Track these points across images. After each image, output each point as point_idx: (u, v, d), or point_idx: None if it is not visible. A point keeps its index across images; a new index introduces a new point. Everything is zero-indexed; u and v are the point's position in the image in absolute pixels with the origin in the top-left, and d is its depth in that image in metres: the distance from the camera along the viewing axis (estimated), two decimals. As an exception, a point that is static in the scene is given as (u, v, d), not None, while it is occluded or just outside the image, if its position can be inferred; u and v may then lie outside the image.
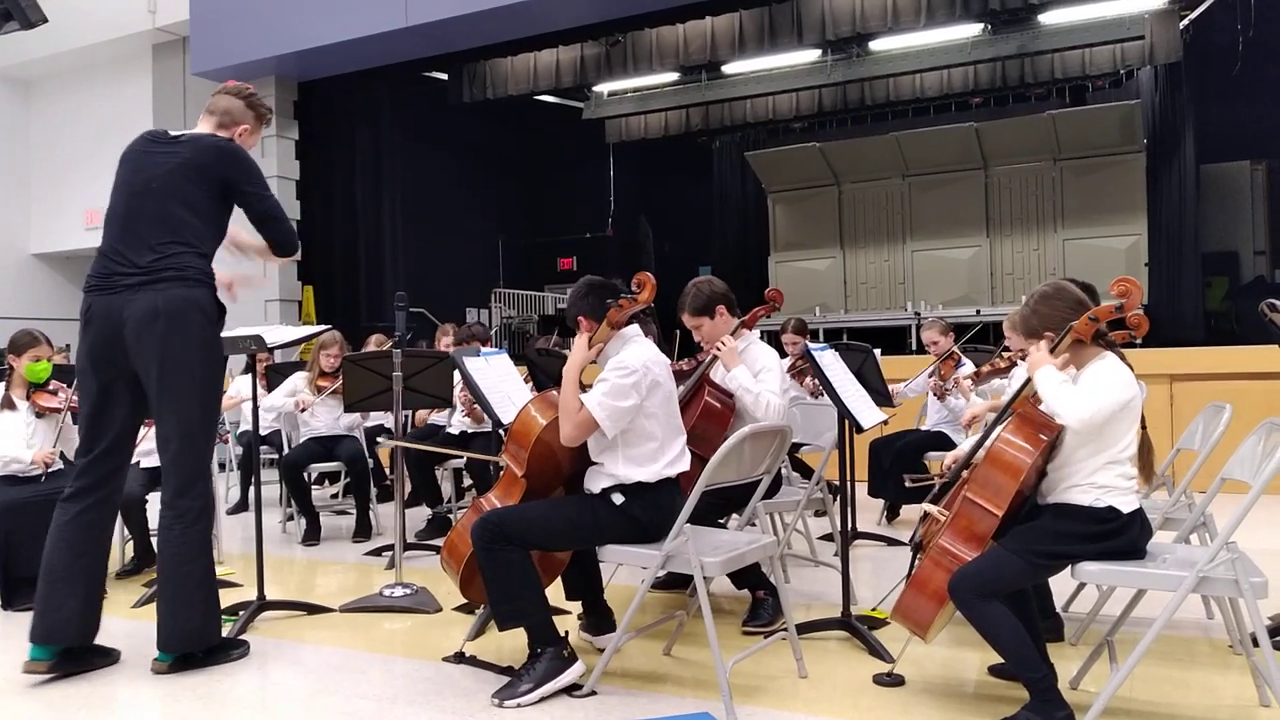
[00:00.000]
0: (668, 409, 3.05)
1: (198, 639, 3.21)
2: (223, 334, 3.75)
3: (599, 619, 3.35)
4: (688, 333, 3.96)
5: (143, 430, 4.82)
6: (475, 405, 5.70)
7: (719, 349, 3.73)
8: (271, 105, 9.85)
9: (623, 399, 2.91)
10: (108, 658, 3.29)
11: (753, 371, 3.73)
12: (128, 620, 3.81)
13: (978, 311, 10.97)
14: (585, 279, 3.18)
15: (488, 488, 5.54)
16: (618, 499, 2.96)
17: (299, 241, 3.46)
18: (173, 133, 3.30)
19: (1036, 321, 2.70)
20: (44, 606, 3.11)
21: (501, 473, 3.23)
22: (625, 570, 3.63)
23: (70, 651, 3.17)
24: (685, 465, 3.06)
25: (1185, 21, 9.76)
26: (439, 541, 5.16)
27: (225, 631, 3.63)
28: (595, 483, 3.02)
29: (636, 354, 2.99)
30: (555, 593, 3.12)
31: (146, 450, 4.87)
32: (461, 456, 5.50)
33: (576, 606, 3.45)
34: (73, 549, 3.14)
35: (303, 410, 5.72)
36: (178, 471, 3.16)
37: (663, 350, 3.22)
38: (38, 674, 3.11)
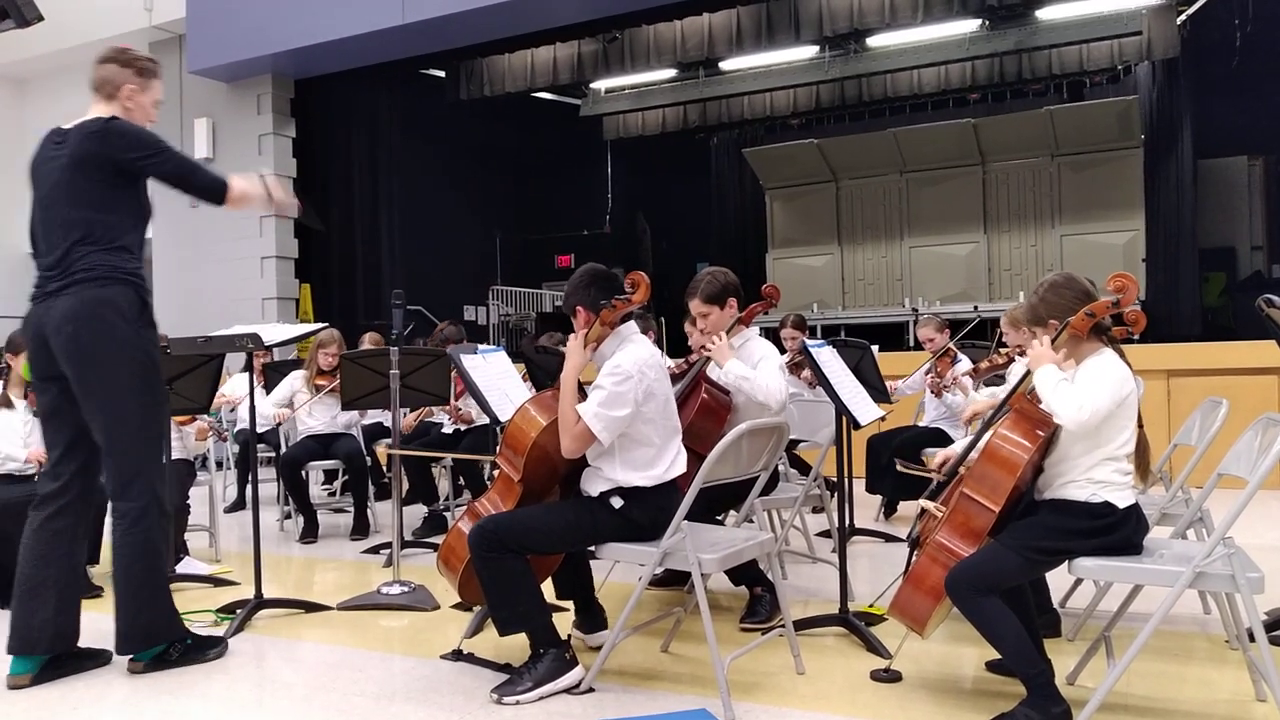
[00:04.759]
0: (664, 412, 3.03)
1: (145, 639, 3.17)
2: (220, 333, 3.76)
3: (591, 617, 3.35)
4: (674, 336, 3.94)
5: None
6: (460, 410, 5.74)
7: (711, 345, 3.71)
8: (271, 102, 9.92)
9: (618, 408, 2.88)
10: (97, 660, 3.26)
11: (750, 363, 3.72)
12: (125, 619, 3.81)
13: (975, 308, 10.97)
14: (587, 268, 3.13)
15: (479, 485, 5.58)
16: (616, 503, 2.95)
17: (223, 181, 3.21)
18: (65, 126, 3.19)
19: (1044, 310, 2.69)
20: (17, 617, 3.08)
21: (496, 475, 3.21)
22: (622, 567, 3.63)
23: (56, 660, 3.14)
24: (682, 468, 3.04)
25: (1183, 17, 9.76)
26: (436, 539, 5.17)
27: (223, 630, 3.64)
28: (593, 485, 3.01)
29: (632, 356, 2.96)
30: (546, 592, 3.11)
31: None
32: (461, 458, 5.50)
33: (571, 604, 3.44)
34: (42, 557, 3.10)
35: (279, 424, 5.77)
36: (113, 474, 3.11)
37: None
38: (19, 686, 3.07)
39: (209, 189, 3.22)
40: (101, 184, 3.10)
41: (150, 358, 3.16)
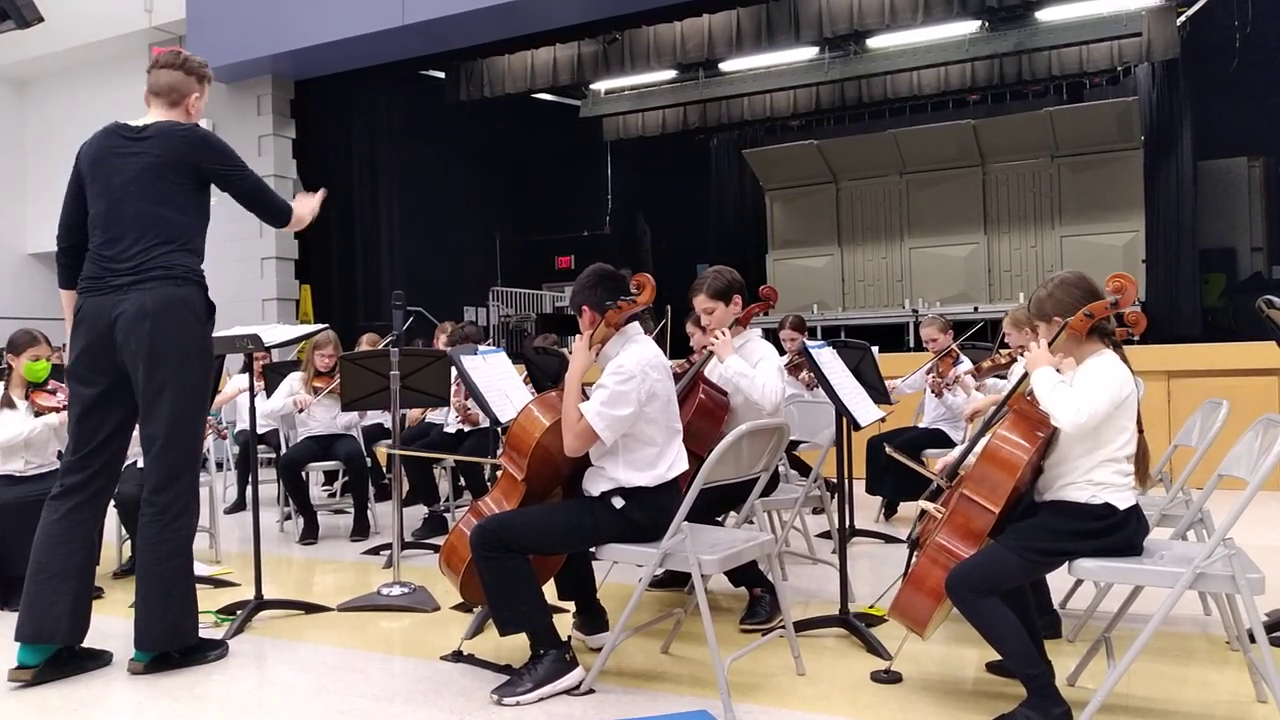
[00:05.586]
0: (666, 413, 3.04)
1: (171, 638, 3.19)
2: (220, 333, 3.77)
3: (592, 618, 3.35)
4: (676, 336, 3.96)
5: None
6: (469, 409, 5.73)
7: (715, 339, 3.72)
8: (271, 103, 9.94)
9: (621, 407, 2.89)
10: (98, 660, 3.27)
11: (750, 363, 3.73)
12: (125, 620, 3.79)
13: (975, 309, 10.97)
14: (595, 267, 3.14)
15: (480, 487, 5.58)
16: (618, 503, 2.95)
17: (289, 208, 3.40)
18: (134, 124, 3.21)
19: (1050, 306, 2.68)
20: (32, 605, 3.09)
21: (499, 475, 3.21)
22: (622, 569, 3.63)
23: (58, 656, 3.14)
24: (684, 466, 3.05)
25: (1182, 18, 9.77)
26: (436, 540, 5.17)
27: (223, 631, 3.64)
28: (595, 485, 3.01)
29: (635, 356, 2.96)
30: (548, 592, 3.11)
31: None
32: (461, 460, 5.49)
33: (572, 605, 3.44)
34: (61, 548, 3.13)
35: (300, 410, 5.72)
36: (160, 468, 3.15)
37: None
38: (21, 681, 3.06)
39: (277, 212, 3.38)
40: (184, 187, 3.19)
41: (212, 361, 3.30)
